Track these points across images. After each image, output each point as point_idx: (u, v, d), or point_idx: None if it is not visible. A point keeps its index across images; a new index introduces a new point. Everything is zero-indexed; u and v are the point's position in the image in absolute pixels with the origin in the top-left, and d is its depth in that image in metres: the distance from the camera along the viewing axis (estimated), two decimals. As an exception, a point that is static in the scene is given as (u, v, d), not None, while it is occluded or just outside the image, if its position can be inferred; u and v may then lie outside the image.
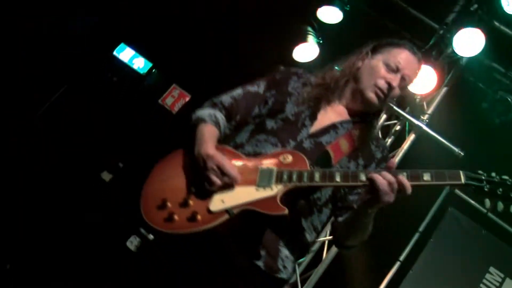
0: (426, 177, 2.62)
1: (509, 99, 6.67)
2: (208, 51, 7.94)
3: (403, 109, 6.90)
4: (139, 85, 8.42)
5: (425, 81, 6.56)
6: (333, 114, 3.21)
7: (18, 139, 7.56)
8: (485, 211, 6.59)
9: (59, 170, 7.49)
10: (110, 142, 7.83)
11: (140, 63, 8.47)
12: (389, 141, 7.01)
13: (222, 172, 2.71)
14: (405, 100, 6.95)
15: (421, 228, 7.18)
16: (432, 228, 7.04)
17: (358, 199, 3.03)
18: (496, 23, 6.53)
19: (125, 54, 8.44)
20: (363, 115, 3.24)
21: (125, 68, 8.42)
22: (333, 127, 3.13)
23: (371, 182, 2.60)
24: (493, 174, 2.65)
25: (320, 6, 7.26)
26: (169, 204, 2.73)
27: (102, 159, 7.68)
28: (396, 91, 3.17)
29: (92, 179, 7.58)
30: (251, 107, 3.24)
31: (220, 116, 3.13)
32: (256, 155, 2.94)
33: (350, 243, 3.09)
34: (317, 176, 2.72)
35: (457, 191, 7.11)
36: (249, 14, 7.63)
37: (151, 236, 2.81)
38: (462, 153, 6.48)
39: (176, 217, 2.67)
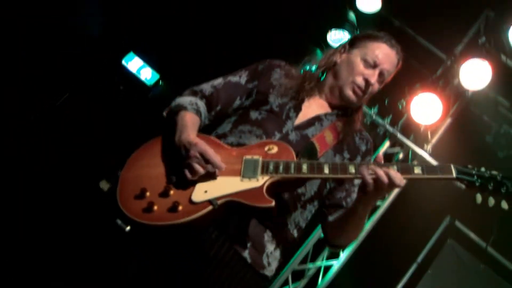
0: (417, 170, 2.60)
1: (513, 134, 6.47)
2: (218, 67, 7.71)
3: (407, 137, 6.85)
4: (145, 96, 8.34)
5: (430, 110, 6.51)
6: (316, 106, 3.20)
7: (18, 141, 7.46)
8: (484, 245, 6.67)
9: (57, 175, 7.39)
10: (111, 151, 7.39)
11: (147, 74, 8.36)
12: None
13: (206, 160, 2.62)
14: (410, 128, 6.91)
15: (419, 259, 7.16)
16: (430, 259, 7.03)
17: (346, 196, 3.04)
18: (503, 57, 6.52)
19: (134, 63, 8.33)
20: (344, 109, 3.24)
21: (132, 78, 8.31)
22: (317, 119, 3.12)
23: (362, 177, 2.58)
24: (483, 169, 2.65)
25: (330, 29, 7.27)
26: (148, 194, 2.62)
27: (102, 167, 7.30)
28: (375, 87, 3.18)
29: (90, 187, 7.41)
30: (232, 97, 3.21)
31: (201, 104, 3.08)
32: (240, 146, 2.89)
33: (341, 243, 3.08)
34: (304, 167, 2.67)
35: (458, 223, 7.20)
36: (264, 25, 7.64)
37: (128, 228, 2.56)
38: (463, 186, 6.28)
39: (155, 207, 2.56)
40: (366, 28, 6.71)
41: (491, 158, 6.74)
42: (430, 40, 7.21)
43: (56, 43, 7.53)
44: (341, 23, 7.22)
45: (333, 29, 7.26)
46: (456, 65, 6.59)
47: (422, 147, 6.74)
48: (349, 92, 3.14)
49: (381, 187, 2.56)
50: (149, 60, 8.35)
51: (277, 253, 2.94)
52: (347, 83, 3.14)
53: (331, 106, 3.24)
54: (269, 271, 2.90)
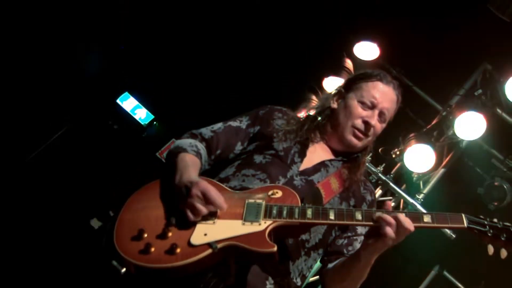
0: (427, 218, 2.59)
1: (505, 187, 6.65)
2: (215, 112, 7.59)
3: (399, 186, 6.79)
4: (139, 136, 8.37)
5: (423, 160, 6.51)
6: (321, 151, 3.17)
7: (10, 180, 7.47)
8: None
9: (49, 212, 7.40)
10: (104, 189, 7.67)
11: (142, 114, 8.41)
12: None
13: (207, 200, 2.56)
14: (402, 177, 6.91)
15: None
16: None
17: (347, 243, 3.00)
18: (499, 110, 6.56)
19: (129, 103, 8.41)
20: (347, 154, 3.20)
21: (127, 117, 8.38)
22: (323, 165, 3.08)
23: (379, 222, 2.55)
24: (496, 220, 2.64)
25: (327, 75, 7.21)
26: (145, 235, 2.55)
27: (94, 205, 7.49)
28: (377, 128, 3.13)
29: (81, 225, 7.40)
30: (233, 142, 3.16)
31: (201, 147, 3.03)
32: (243, 189, 2.83)
33: None
34: (309, 212, 2.62)
35: (446, 273, 7.03)
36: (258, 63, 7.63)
37: (123, 270, 2.52)
38: (453, 236, 6.22)
39: (152, 249, 2.49)
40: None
41: (482, 210, 6.59)
42: (427, 90, 7.26)
43: (54, 82, 7.61)
44: (337, 70, 7.14)
45: (330, 75, 7.21)
46: (451, 116, 6.61)
47: (413, 197, 6.66)
48: (349, 137, 3.10)
49: (390, 233, 2.54)
50: (144, 101, 8.41)
51: None
52: (346, 128, 3.11)
53: (335, 152, 3.21)
54: None
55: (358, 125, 3.09)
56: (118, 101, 8.37)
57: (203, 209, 2.55)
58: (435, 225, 2.58)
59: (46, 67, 7.64)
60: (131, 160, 7.86)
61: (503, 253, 2.59)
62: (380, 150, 6.67)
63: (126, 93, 8.38)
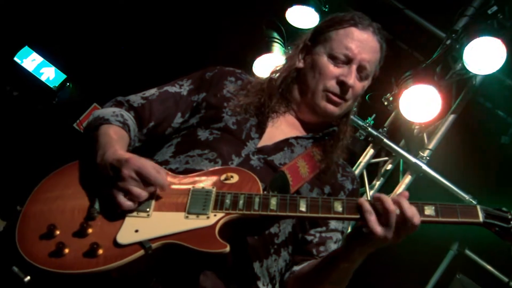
0: (429, 210, 2.40)
1: (536, 131, 6.64)
2: (142, 62, 7.43)
3: (397, 143, 6.33)
4: (48, 103, 7.75)
5: (426, 105, 5.98)
6: (286, 126, 2.99)
7: None
8: (506, 279, 6.29)
9: None
10: (7, 178, 7.05)
11: (50, 74, 7.93)
12: (377, 184, 6.35)
13: (145, 180, 2.36)
14: (399, 130, 6.53)
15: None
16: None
17: (318, 242, 2.86)
18: (521, 31, 6.15)
19: (30, 61, 7.85)
20: (322, 127, 3.02)
21: (30, 80, 7.79)
22: (287, 143, 2.90)
23: (360, 210, 2.38)
24: None
25: (290, 6, 6.64)
26: (58, 232, 2.34)
27: None
28: (357, 87, 2.91)
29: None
30: (170, 112, 2.95)
31: (129, 117, 2.81)
32: (187, 173, 2.65)
33: None
34: (273, 202, 2.44)
35: (468, 252, 6.69)
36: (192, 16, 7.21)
37: (27, 279, 2.20)
38: (474, 202, 5.78)
39: (66, 250, 2.28)
40: (339, 4, 6.46)
41: (509, 164, 6.29)
42: (423, 14, 6.74)
43: None
44: (304, -3, 6.88)
45: (293, 4, 6.64)
46: (458, 45, 6.09)
47: (416, 155, 6.15)
48: (323, 103, 2.88)
49: (387, 227, 2.33)
50: (52, 56, 7.93)
51: None
52: (317, 93, 2.89)
53: (306, 126, 3.01)
54: None
55: (332, 88, 2.88)
56: (16, 58, 7.77)
57: (142, 193, 2.37)
58: (440, 219, 2.40)
59: None
60: (41, 136, 7.26)
61: None
62: (367, 96, 5.70)
63: (26, 48, 7.79)
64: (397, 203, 2.33)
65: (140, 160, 2.41)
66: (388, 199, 2.33)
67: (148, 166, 2.40)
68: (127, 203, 2.36)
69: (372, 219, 2.33)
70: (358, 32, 2.90)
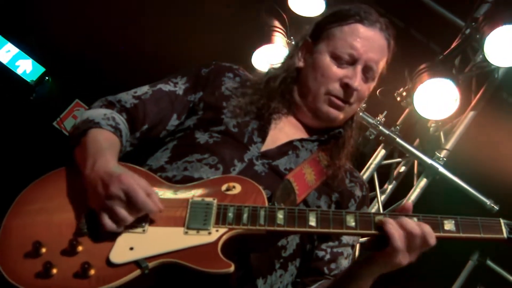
0: (449, 225, 2.37)
1: None
2: (129, 55, 7.25)
3: (410, 143, 6.14)
4: (25, 99, 7.56)
5: (443, 101, 5.84)
6: (289, 127, 2.94)
7: None
8: None
9: None
10: None
11: (27, 67, 7.77)
12: (389, 188, 6.13)
13: (133, 204, 2.25)
14: (414, 129, 6.39)
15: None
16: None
17: (330, 259, 2.80)
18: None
19: (4, 52, 7.73)
20: (326, 131, 2.98)
21: (5, 73, 7.68)
22: (291, 146, 2.85)
23: (382, 230, 2.32)
24: None
25: None
26: (44, 250, 2.23)
27: None
28: (363, 90, 2.85)
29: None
30: (165, 113, 2.88)
31: (121, 120, 2.71)
32: (185, 182, 2.56)
33: None
34: (280, 216, 2.37)
35: (490, 262, 6.62)
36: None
37: None
38: (496, 207, 5.59)
39: (55, 270, 2.17)
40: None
41: None
42: (440, 0, 6.57)
43: None
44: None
45: None
46: (479, 35, 5.85)
47: (432, 155, 5.93)
48: (325, 108, 2.82)
49: (405, 249, 2.28)
50: (28, 47, 7.83)
51: None
52: (318, 96, 2.82)
53: (308, 129, 2.96)
54: None
55: (335, 91, 2.80)
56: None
57: (127, 217, 2.25)
58: (461, 235, 2.35)
59: None
60: (17, 136, 7.05)
61: None
62: (378, 92, 5.76)
63: (0, 37, 7.64)
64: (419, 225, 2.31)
65: (131, 180, 2.30)
66: (409, 222, 2.29)
67: (137, 188, 2.29)
68: (110, 225, 2.27)
69: (397, 234, 2.28)
70: (364, 29, 2.82)
